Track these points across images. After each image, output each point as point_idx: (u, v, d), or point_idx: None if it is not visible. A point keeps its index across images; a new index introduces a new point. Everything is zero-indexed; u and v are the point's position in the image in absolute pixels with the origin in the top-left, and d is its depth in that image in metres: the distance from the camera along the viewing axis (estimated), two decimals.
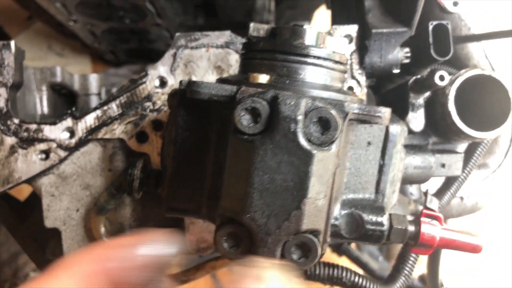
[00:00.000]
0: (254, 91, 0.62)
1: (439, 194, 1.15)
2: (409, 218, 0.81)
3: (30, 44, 2.73)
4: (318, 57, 0.70)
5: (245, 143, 0.60)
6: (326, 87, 0.70)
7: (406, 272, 1.06)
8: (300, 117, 0.58)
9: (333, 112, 0.59)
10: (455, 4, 1.26)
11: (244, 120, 0.60)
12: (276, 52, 0.70)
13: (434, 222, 0.80)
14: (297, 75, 0.69)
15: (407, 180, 0.94)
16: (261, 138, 0.59)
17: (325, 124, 0.59)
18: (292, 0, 2.11)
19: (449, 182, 1.16)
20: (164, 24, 2.15)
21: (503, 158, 1.35)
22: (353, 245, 2.62)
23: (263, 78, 0.68)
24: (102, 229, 0.95)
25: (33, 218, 1.31)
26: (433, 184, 1.23)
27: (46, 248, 1.23)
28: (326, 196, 0.62)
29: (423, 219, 0.79)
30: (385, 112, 0.66)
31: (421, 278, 2.01)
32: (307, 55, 0.69)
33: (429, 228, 0.78)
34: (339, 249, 2.53)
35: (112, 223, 0.98)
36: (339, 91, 0.70)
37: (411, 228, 0.78)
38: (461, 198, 1.33)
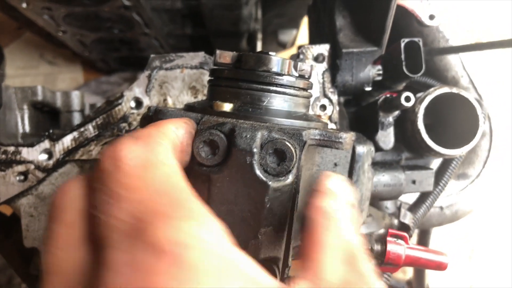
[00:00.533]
0: (214, 122, 0.64)
1: (415, 207, 1.17)
2: (376, 236, 0.83)
3: (22, 53, 2.75)
4: (281, 85, 0.71)
5: (204, 175, 0.61)
6: (289, 114, 0.71)
7: None
8: (255, 150, 0.60)
9: (289, 143, 0.61)
10: (431, 17, 1.28)
11: (202, 152, 0.61)
12: (240, 80, 0.71)
13: (400, 241, 0.82)
14: (260, 102, 0.70)
15: (377, 198, 0.95)
16: (219, 170, 0.61)
17: (281, 155, 0.61)
18: (279, 9, 2.12)
19: (425, 195, 1.18)
20: (153, 33, 2.16)
21: (482, 167, 1.37)
22: None
23: (227, 107, 0.70)
24: None
25: (18, 233, 1.33)
26: (410, 197, 1.26)
27: (30, 263, 1.26)
28: (285, 223, 0.64)
29: (389, 238, 0.81)
30: (346, 137, 0.68)
31: (409, 283, 2.04)
32: (270, 83, 0.71)
33: (395, 247, 0.81)
34: None
35: None
36: (302, 117, 0.72)
37: (378, 247, 0.80)
38: (441, 208, 1.35)
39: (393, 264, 0.80)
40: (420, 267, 0.83)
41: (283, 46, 2.41)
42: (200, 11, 1.95)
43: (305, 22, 2.38)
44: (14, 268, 1.29)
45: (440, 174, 1.16)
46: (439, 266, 0.82)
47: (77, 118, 1.25)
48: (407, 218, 1.04)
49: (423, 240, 1.53)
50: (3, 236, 1.31)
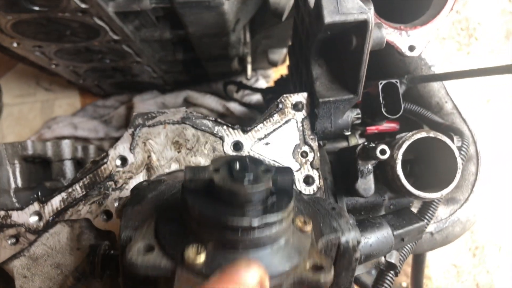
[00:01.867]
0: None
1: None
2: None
3: (18, 81, 2.79)
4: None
5: None
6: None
7: None
8: None
9: None
10: (412, 48, 1.29)
11: None
12: (211, 225, 0.67)
13: None
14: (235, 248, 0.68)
15: (367, 258, 0.95)
16: None
17: None
18: (267, 31, 2.14)
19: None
20: (144, 61, 2.19)
21: (470, 191, 1.38)
22: None
23: (199, 258, 0.67)
24: None
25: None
26: None
27: None
28: None
29: None
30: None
31: None
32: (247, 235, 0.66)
33: None
34: None
35: None
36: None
37: None
38: (431, 233, 1.36)
39: None
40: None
41: (274, 64, 2.43)
42: (189, 39, 1.98)
43: None
44: None
45: (424, 207, 1.18)
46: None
47: (68, 167, 1.28)
48: (393, 257, 1.06)
49: (418, 263, 1.55)
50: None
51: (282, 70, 2.61)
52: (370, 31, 0.87)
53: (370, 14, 0.85)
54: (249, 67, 2.16)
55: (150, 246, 0.72)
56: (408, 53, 1.30)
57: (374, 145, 0.92)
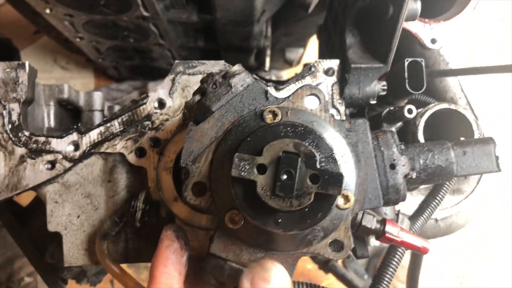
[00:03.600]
0: None
1: (413, 218, 1.25)
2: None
3: (37, 57, 2.84)
4: None
5: None
6: None
7: (385, 283, 1.15)
8: None
9: None
10: (433, 41, 1.37)
11: None
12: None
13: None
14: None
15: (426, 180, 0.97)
16: None
17: None
18: (288, 28, 2.22)
19: (422, 207, 1.25)
20: (166, 44, 2.26)
21: (476, 184, 1.44)
22: (339, 263, 2.70)
23: (237, 225, 0.80)
24: (105, 252, 1.04)
25: (33, 224, 1.40)
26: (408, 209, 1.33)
27: (45, 252, 1.32)
28: None
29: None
30: None
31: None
32: None
33: (391, 228, 0.90)
34: (325, 267, 2.62)
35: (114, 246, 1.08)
36: None
37: (377, 226, 0.90)
38: (436, 220, 1.42)
39: (388, 240, 0.91)
40: (407, 247, 0.93)
41: (289, 63, 2.51)
42: (214, 26, 2.05)
43: (311, 42, 2.49)
44: (28, 257, 1.35)
45: (437, 187, 1.24)
46: (423, 250, 0.92)
47: (97, 117, 1.33)
48: (405, 224, 1.12)
49: (415, 262, 1.60)
50: (19, 226, 1.37)
51: (295, 71, 2.69)
52: (407, 0, 0.94)
53: None
54: (267, 60, 2.24)
55: (203, 188, 0.82)
56: (429, 45, 1.38)
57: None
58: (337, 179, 0.72)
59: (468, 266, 2.87)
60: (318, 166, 0.73)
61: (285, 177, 0.72)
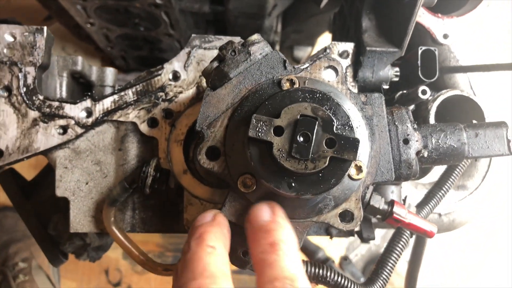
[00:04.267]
0: None
1: (418, 208, 1.25)
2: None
3: None
4: None
5: None
6: None
7: (384, 275, 1.14)
8: None
9: None
10: (445, 36, 1.38)
11: None
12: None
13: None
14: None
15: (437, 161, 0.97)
16: None
17: None
18: (298, 24, 2.23)
19: (429, 197, 1.25)
20: (176, 35, 2.27)
21: (481, 181, 1.45)
22: (336, 264, 2.70)
23: (250, 189, 0.81)
24: (112, 219, 1.04)
25: (38, 197, 1.40)
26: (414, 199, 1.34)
27: (47, 225, 1.32)
28: None
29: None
30: None
31: None
32: None
33: (399, 209, 0.90)
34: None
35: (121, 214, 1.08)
36: None
37: (385, 206, 0.90)
38: (439, 214, 1.42)
39: (395, 221, 0.91)
40: (414, 230, 0.94)
41: (297, 62, 2.52)
42: (225, 18, 2.06)
43: (320, 41, 2.51)
44: (31, 230, 1.34)
45: (443, 178, 1.24)
46: (428, 234, 0.92)
47: (108, 93, 1.34)
48: (411, 209, 1.12)
49: (419, 244, 1.60)
50: (23, 199, 1.37)
51: None
52: None
53: None
54: None
55: (216, 152, 0.83)
56: (442, 40, 1.39)
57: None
58: (353, 144, 0.73)
59: (469, 263, 2.87)
60: (335, 131, 0.74)
61: (301, 139, 0.73)
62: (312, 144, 0.72)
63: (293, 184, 0.74)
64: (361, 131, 0.82)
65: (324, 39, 2.48)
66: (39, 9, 2.48)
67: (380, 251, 3.00)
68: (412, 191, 1.35)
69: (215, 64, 0.87)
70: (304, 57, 2.50)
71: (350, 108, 0.82)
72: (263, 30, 2.14)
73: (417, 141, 0.86)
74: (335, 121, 0.74)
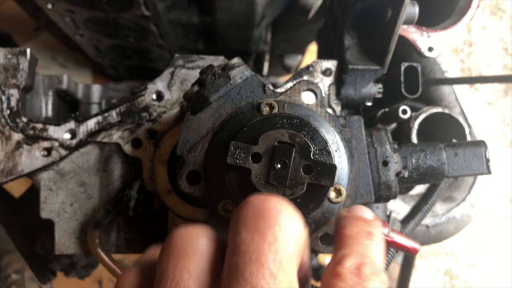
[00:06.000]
0: None
1: (404, 222, 1.26)
2: None
3: (35, 53, 2.84)
4: None
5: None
6: None
7: None
8: None
9: None
10: (430, 49, 1.39)
11: None
12: None
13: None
14: None
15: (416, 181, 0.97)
16: None
17: None
18: (288, 34, 2.24)
19: (414, 211, 1.26)
20: (166, 45, 2.28)
21: (467, 192, 1.46)
22: None
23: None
24: (96, 241, 1.05)
25: (25, 214, 1.40)
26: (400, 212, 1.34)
27: (35, 242, 1.32)
28: None
29: None
30: None
31: None
32: None
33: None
34: (315, 274, 2.61)
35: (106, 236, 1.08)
36: None
37: None
38: (427, 226, 1.43)
39: None
40: (397, 247, 0.94)
41: (287, 70, 2.53)
42: (214, 28, 2.07)
43: (310, 49, 2.51)
44: (19, 248, 1.34)
45: (429, 191, 1.25)
46: (412, 251, 0.93)
47: (95, 110, 1.34)
48: (395, 226, 1.13)
49: (408, 258, 1.61)
50: (10, 216, 1.37)
51: None
52: (406, 4, 0.96)
53: None
54: (266, 65, 2.26)
55: (197, 177, 0.83)
56: (427, 53, 1.40)
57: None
58: (330, 170, 0.73)
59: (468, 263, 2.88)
60: (312, 157, 0.74)
61: (279, 166, 0.73)
62: (290, 171, 0.73)
63: None
64: (340, 154, 0.82)
65: (315, 47, 2.49)
66: (29, 19, 2.48)
67: None
68: (399, 204, 1.36)
69: (196, 88, 0.87)
70: (294, 65, 2.50)
71: (329, 131, 0.83)
72: (252, 40, 2.15)
73: (396, 162, 0.86)
74: (312, 147, 0.75)
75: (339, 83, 1.11)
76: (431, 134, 1.13)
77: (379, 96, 1.14)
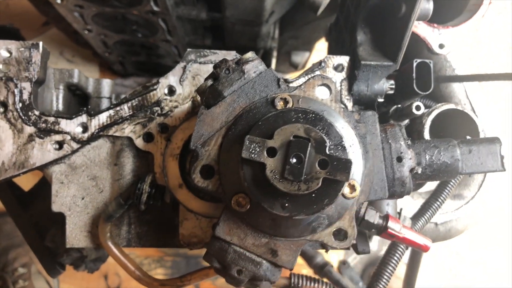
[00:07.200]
0: None
1: (414, 219, 1.25)
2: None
3: None
4: None
5: None
6: None
7: (384, 281, 1.15)
8: None
9: None
10: (441, 46, 1.39)
11: None
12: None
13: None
14: None
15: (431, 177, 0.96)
16: None
17: None
18: (296, 31, 2.24)
19: (424, 208, 1.26)
20: (174, 41, 2.27)
21: (477, 190, 1.45)
22: (335, 269, 2.70)
23: (244, 208, 0.81)
24: (108, 235, 1.05)
25: (35, 208, 1.40)
26: (410, 211, 1.34)
27: (45, 236, 1.32)
28: None
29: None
30: None
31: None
32: None
33: (393, 224, 0.91)
34: (321, 272, 2.61)
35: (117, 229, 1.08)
36: None
37: (379, 221, 0.91)
38: (436, 224, 1.43)
39: (390, 236, 0.92)
40: (408, 244, 0.94)
41: (295, 67, 2.53)
42: (222, 24, 2.06)
43: (317, 46, 2.50)
44: (28, 241, 1.35)
45: (439, 189, 1.25)
46: (423, 248, 0.93)
47: (105, 104, 1.34)
48: (406, 222, 1.12)
49: (415, 255, 1.60)
50: (20, 210, 1.37)
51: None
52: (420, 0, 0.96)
53: None
54: (273, 61, 2.25)
55: (211, 171, 0.83)
56: (437, 50, 1.39)
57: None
58: (346, 165, 0.73)
59: (469, 263, 2.87)
60: (327, 152, 0.74)
61: (294, 161, 0.73)
62: (305, 166, 0.72)
63: (286, 205, 0.75)
64: (354, 149, 0.82)
65: (322, 44, 2.48)
66: (38, 15, 2.48)
67: (379, 254, 3.00)
68: (409, 200, 1.36)
69: (209, 82, 0.87)
70: (302, 62, 2.50)
71: (344, 126, 0.83)
72: (260, 37, 2.14)
73: (410, 158, 0.86)
74: (327, 142, 0.75)
75: (351, 78, 1.10)
76: (443, 131, 1.12)
77: (391, 92, 1.13)
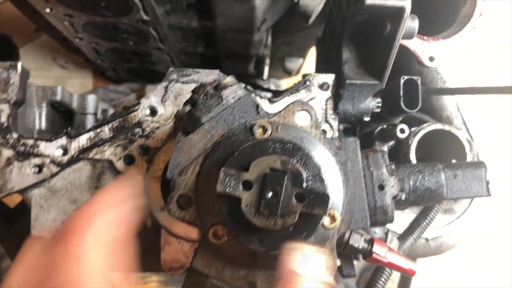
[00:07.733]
0: None
1: (402, 238, 1.23)
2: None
3: (36, 55, 2.83)
4: None
5: None
6: None
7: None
8: None
9: None
10: (431, 59, 1.36)
11: None
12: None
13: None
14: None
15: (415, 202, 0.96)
16: None
17: None
18: (288, 37, 2.21)
19: (413, 227, 1.24)
20: (166, 48, 2.25)
21: (468, 205, 1.43)
22: None
23: (221, 240, 0.79)
24: None
25: (19, 225, 1.38)
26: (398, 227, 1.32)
27: None
28: None
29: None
30: None
31: None
32: None
33: (379, 249, 0.89)
34: None
35: None
36: None
37: (364, 245, 0.89)
38: (426, 239, 1.41)
39: (375, 261, 0.90)
40: (394, 269, 0.93)
41: (288, 73, 2.51)
42: (214, 32, 2.04)
43: (311, 52, 2.48)
44: (12, 257, 1.33)
45: (427, 208, 1.23)
46: (409, 272, 0.91)
47: (90, 121, 1.32)
48: (393, 243, 1.10)
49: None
50: (5, 227, 1.36)
51: (295, 80, 2.68)
52: (405, 18, 0.93)
53: (407, 2, 0.92)
54: (266, 68, 2.23)
55: (188, 200, 0.81)
56: (427, 63, 1.37)
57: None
58: (323, 199, 0.71)
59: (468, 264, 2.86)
60: (304, 185, 0.72)
61: (270, 194, 0.71)
62: (281, 200, 0.70)
63: (263, 239, 0.73)
64: (334, 178, 0.80)
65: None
66: (29, 22, 2.46)
67: None
68: (399, 215, 1.34)
69: (188, 108, 0.85)
70: (295, 69, 2.48)
71: (324, 154, 0.81)
72: (252, 44, 2.12)
73: (393, 186, 0.84)
74: (304, 174, 0.73)
75: (336, 97, 1.08)
76: (431, 148, 1.11)
77: (378, 110, 1.11)
